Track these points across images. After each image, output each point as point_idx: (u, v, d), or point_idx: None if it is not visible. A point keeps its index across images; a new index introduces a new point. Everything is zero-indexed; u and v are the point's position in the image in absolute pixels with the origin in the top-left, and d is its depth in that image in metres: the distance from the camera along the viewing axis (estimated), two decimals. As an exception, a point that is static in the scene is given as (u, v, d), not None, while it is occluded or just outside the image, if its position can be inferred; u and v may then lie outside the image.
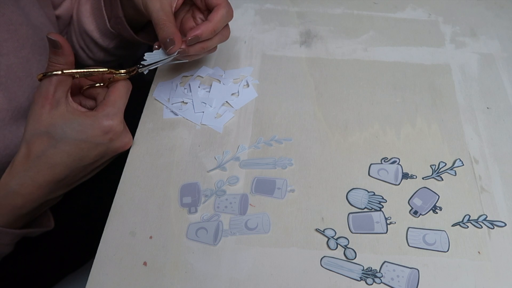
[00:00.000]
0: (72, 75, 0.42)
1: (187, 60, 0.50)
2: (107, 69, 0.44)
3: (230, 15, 0.48)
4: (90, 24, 0.57)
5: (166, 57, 0.46)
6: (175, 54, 0.46)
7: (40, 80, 0.41)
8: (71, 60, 0.42)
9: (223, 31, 0.49)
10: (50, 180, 0.42)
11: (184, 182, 0.47)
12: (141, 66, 0.46)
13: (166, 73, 0.57)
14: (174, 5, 0.47)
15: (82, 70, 0.43)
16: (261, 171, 0.48)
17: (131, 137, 0.47)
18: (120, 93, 0.44)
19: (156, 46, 0.47)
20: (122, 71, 0.45)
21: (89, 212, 0.60)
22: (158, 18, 0.45)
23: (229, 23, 0.49)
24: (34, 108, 0.41)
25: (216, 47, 0.51)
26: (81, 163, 0.43)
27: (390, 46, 0.61)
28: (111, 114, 0.42)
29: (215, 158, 0.49)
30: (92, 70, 0.43)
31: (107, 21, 0.56)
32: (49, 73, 0.41)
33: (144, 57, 0.46)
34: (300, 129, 0.51)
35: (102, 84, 0.46)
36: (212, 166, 0.48)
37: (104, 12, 0.55)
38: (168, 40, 0.44)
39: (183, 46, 0.46)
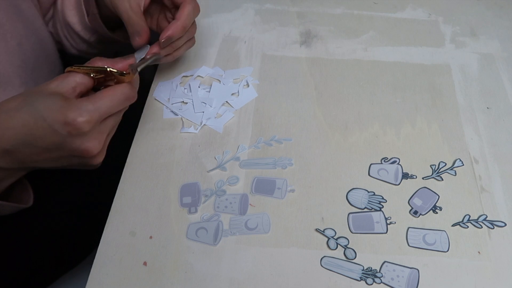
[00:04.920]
0: (92, 78, 0.42)
1: (169, 61, 0.51)
2: (106, 67, 0.43)
3: (197, 10, 0.49)
4: (73, 17, 0.58)
5: (148, 58, 0.47)
6: (152, 57, 0.47)
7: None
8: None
9: (190, 28, 0.50)
10: None
11: (184, 182, 0.47)
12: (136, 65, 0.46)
13: (166, 73, 0.57)
14: (142, 5, 0.48)
15: (84, 66, 0.42)
16: (261, 171, 0.48)
17: (99, 148, 0.41)
18: (111, 95, 0.41)
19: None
20: (116, 70, 0.43)
21: (89, 212, 0.60)
22: (128, 17, 0.47)
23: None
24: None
25: (194, 39, 0.52)
26: (33, 142, 0.39)
27: (390, 46, 0.61)
28: (83, 109, 0.38)
29: (215, 158, 0.49)
30: (91, 66, 0.42)
31: (85, 16, 0.56)
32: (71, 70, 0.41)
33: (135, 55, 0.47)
34: (300, 129, 0.51)
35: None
36: (212, 166, 0.48)
37: (83, 7, 0.56)
38: (135, 33, 0.47)
39: (156, 50, 0.47)
